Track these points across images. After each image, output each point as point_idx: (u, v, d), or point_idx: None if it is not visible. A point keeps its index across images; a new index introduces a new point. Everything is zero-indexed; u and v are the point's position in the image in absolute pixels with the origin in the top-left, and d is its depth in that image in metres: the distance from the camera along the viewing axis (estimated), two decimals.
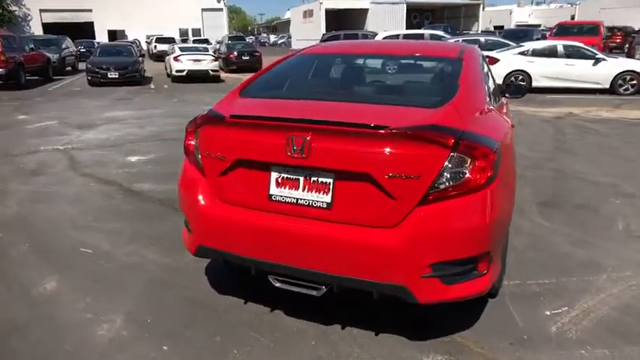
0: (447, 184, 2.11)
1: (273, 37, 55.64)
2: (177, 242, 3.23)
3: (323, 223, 2.25)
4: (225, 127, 2.42)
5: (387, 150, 2.10)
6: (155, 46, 30.89)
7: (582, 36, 18.05)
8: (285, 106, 2.63)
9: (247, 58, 20.94)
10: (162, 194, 4.81)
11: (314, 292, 2.36)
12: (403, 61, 3.35)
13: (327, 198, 2.24)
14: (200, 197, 2.51)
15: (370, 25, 37.79)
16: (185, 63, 16.77)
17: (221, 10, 45.36)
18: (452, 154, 2.10)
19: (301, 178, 2.29)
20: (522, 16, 63.04)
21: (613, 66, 12.70)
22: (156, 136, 8.01)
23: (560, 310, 2.84)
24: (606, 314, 2.80)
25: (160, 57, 26.91)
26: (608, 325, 2.70)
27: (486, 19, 50.60)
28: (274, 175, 2.34)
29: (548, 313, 2.81)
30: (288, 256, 2.31)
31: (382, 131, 2.10)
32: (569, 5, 60.13)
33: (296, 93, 2.99)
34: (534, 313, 2.79)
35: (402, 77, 3.30)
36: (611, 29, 28.89)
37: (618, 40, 28.17)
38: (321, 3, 39.25)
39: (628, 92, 12.49)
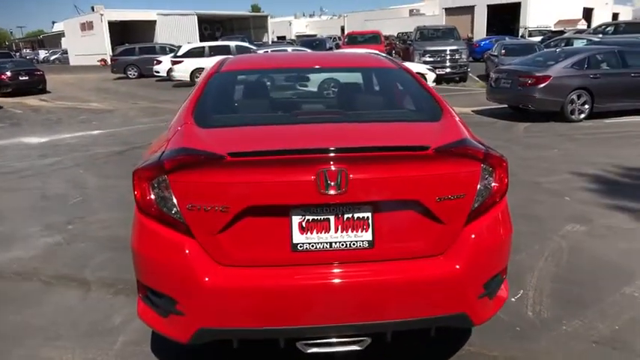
0: (483, 197, 2.05)
1: (43, 53, 47.78)
2: None
3: (367, 264, 1.94)
4: (225, 169, 1.87)
5: (434, 172, 1.92)
6: None
7: (368, 44, 20.49)
8: (283, 134, 2.18)
9: (26, 78, 17.45)
10: None
11: (356, 347, 2.02)
12: (347, 74, 3.16)
13: (368, 235, 1.93)
14: (191, 266, 1.89)
15: (160, 37, 35.86)
16: None
17: None
18: (483, 166, 2.03)
19: (332, 218, 1.92)
20: (300, 27, 68.77)
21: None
22: None
23: (519, 294, 3.08)
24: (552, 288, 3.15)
25: None
26: (560, 296, 3.04)
27: (269, 30, 53.50)
28: (296, 219, 1.91)
29: (513, 299, 3.02)
30: (326, 314, 1.93)
31: (426, 152, 1.90)
32: (338, 17, 68.15)
33: (275, 118, 2.53)
34: (507, 305, 2.97)
35: (361, 90, 3.11)
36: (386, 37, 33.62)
37: (388, 47, 33.03)
38: (102, 14, 35.44)
39: None
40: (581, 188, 5.26)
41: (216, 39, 33.59)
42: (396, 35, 36.35)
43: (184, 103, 2.67)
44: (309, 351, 2.00)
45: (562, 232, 4.05)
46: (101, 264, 3.66)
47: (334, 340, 2.00)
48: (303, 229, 1.91)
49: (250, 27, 42.45)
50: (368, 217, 1.93)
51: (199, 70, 17.90)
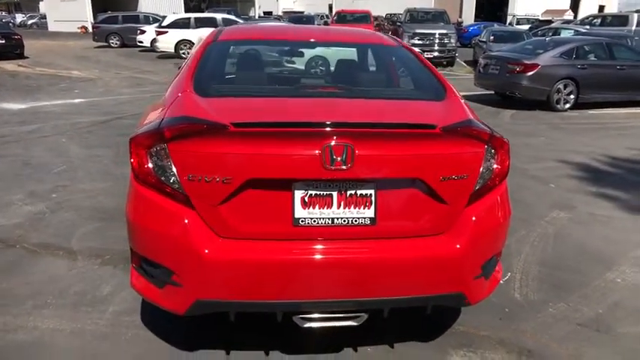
0: (485, 179, 2.06)
1: (20, 17, 45.67)
2: None
3: (368, 241, 1.93)
4: (229, 140, 1.82)
5: (439, 151, 1.91)
6: None
7: (357, 23, 20.26)
8: (287, 107, 2.13)
9: (3, 41, 16.78)
10: None
11: (353, 323, 2.04)
12: (348, 49, 3.09)
13: (370, 212, 1.92)
14: (190, 237, 1.86)
15: (144, 5, 34.70)
16: None
17: None
18: (486, 147, 2.04)
19: (334, 194, 1.90)
20: (287, 2, 67.48)
21: None
22: None
23: (507, 277, 3.14)
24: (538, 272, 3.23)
25: None
26: (546, 280, 3.11)
27: (256, 4, 52.27)
28: (299, 193, 1.88)
29: (501, 282, 3.07)
30: (325, 290, 1.93)
31: (433, 131, 1.89)
32: None
33: (276, 90, 2.47)
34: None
35: (363, 66, 3.05)
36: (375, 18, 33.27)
37: (376, 28, 32.74)
38: None
39: None
40: (565, 176, 5.35)
41: (201, 11, 32.79)
42: (384, 16, 35.96)
43: (181, 71, 2.59)
44: (305, 325, 2.00)
45: (547, 218, 4.13)
46: (87, 234, 3.58)
47: (331, 315, 2.01)
48: (305, 204, 1.89)
49: (237, 0, 41.47)
50: (371, 194, 1.92)
51: (184, 41, 17.48)
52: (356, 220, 1.92)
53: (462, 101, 2.31)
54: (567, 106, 9.52)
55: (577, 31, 17.27)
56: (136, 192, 1.99)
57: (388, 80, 2.84)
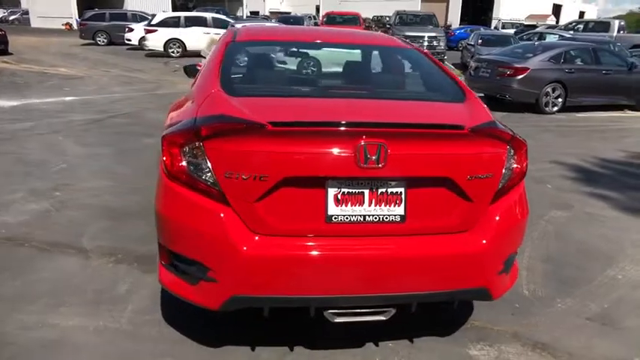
0: (506, 179, 2.14)
1: (1, 12, 44.61)
2: None
3: (397, 238, 2.00)
4: (266, 138, 1.86)
5: (467, 151, 1.99)
6: None
7: (347, 24, 20.36)
8: (320, 107, 2.18)
9: None
10: None
11: (382, 317, 2.10)
12: (365, 50, 3.14)
13: (400, 210, 1.98)
14: (227, 233, 1.89)
15: (130, 3, 34.33)
16: None
17: None
18: (508, 148, 2.12)
19: (366, 192, 1.96)
20: (274, 3, 67.41)
21: None
22: None
23: None
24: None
25: None
26: (551, 277, 3.21)
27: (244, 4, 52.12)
28: (332, 191, 1.94)
29: None
30: (357, 285, 1.99)
31: (462, 131, 1.96)
32: None
33: (304, 90, 2.51)
34: None
35: (380, 67, 3.11)
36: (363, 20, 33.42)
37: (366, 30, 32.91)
38: None
39: None
40: (560, 176, 5.51)
41: (189, 9, 32.56)
42: (371, 18, 36.16)
43: (203, 70, 2.61)
44: (336, 320, 2.05)
45: (547, 217, 4.25)
46: (97, 233, 3.57)
47: (361, 310, 2.06)
48: (338, 202, 1.94)
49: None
50: (401, 192, 1.98)
51: (173, 40, 17.36)
52: (386, 218, 1.98)
53: (482, 103, 2.39)
54: (555, 109, 9.76)
55: (561, 35, 17.68)
56: (168, 189, 2.01)
57: (407, 81, 2.91)
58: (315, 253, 1.92)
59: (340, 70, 2.99)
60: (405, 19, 18.82)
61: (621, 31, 20.29)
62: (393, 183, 1.97)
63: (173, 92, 10.66)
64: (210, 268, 1.93)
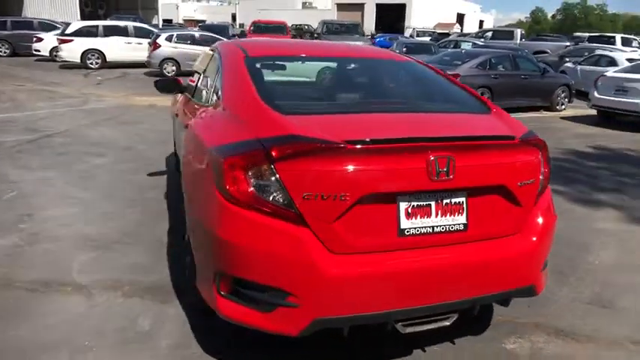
0: (542, 182, 2.31)
1: None
2: None
3: (461, 246, 2.08)
4: (343, 157, 1.85)
5: (517, 159, 2.13)
6: None
7: (274, 33, 20.42)
8: (381, 123, 2.21)
9: None
10: None
11: (446, 323, 2.17)
12: (378, 64, 3.17)
13: (463, 219, 2.08)
14: (309, 256, 1.85)
15: (29, 10, 31.47)
16: None
17: None
18: (541, 153, 2.30)
19: (432, 203, 2.03)
20: (188, 11, 65.61)
21: None
22: None
23: None
24: None
25: None
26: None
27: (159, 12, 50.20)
28: (403, 205, 1.98)
29: None
30: (430, 294, 2.04)
31: (513, 142, 2.10)
32: (228, 4, 66.28)
33: (347, 106, 2.51)
34: None
35: (400, 80, 3.16)
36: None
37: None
38: None
39: None
40: None
41: (99, 17, 30.61)
42: (290, 26, 36.62)
43: (225, 86, 2.50)
44: (407, 331, 2.09)
45: None
46: (86, 265, 3.27)
47: (427, 318, 2.12)
48: (409, 215, 1.99)
49: (138, 7, 39.30)
50: (463, 201, 2.08)
51: (92, 51, 16.23)
52: (452, 227, 2.06)
53: (506, 113, 2.56)
54: None
55: (474, 43, 19.16)
56: (231, 213, 1.92)
57: (434, 94, 3.00)
58: (391, 267, 1.95)
59: (364, 82, 3.04)
60: (332, 28, 19.29)
61: (522, 39, 22.49)
62: (456, 193, 2.06)
63: (103, 107, 10.00)
64: (291, 293, 1.88)
